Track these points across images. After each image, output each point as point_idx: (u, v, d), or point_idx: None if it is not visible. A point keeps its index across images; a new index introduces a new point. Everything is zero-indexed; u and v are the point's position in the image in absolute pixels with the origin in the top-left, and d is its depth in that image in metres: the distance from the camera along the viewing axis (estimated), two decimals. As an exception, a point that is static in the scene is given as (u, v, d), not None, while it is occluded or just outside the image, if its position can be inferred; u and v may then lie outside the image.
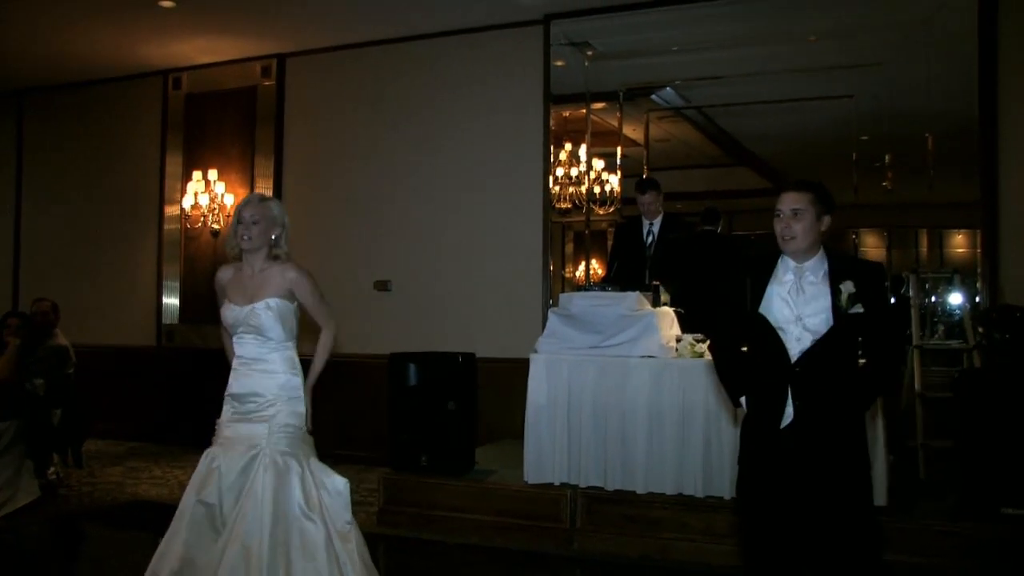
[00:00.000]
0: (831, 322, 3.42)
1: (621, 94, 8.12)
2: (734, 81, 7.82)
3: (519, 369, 6.19)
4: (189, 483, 3.91)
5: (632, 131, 8.19)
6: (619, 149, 8.13)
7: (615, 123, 8.16)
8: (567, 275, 8.39)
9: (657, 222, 6.97)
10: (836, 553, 3.44)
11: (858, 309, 3.39)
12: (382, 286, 8.68)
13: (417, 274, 8.59)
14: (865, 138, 7.27)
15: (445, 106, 8.61)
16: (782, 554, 3.50)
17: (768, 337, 3.49)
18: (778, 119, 7.94)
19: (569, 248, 8.42)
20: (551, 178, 8.14)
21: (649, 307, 6.05)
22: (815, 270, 3.48)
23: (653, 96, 8.14)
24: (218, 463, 3.86)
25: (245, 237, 3.96)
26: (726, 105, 8.04)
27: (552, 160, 8.15)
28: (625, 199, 7.94)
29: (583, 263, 8.36)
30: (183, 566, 3.72)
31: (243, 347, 3.99)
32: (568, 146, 8.23)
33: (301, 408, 3.98)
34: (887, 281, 3.58)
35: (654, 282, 6.41)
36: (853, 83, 7.26)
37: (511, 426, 6.63)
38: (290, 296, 3.98)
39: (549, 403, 5.93)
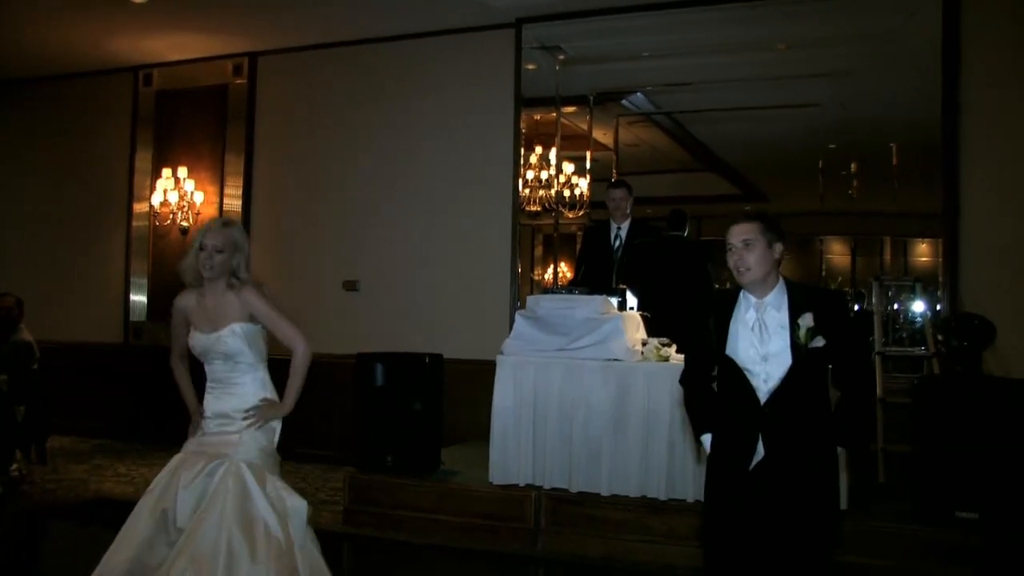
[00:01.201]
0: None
1: (591, 98, 8.16)
2: (703, 88, 7.91)
3: (486, 370, 6.21)
4: (150, 485, 3.91)
5: (602, 135, 8.21)
6: (589, 153, 8.17)
7: (585, 127, 8.20)
8: (535, 277, 8.39)
9: (625, 226, 7.02)
10: None
11: (819, 343, 3.39)
12: (351, 286, 8.68)
13: (386, 274, 8.59)
14: (832, 146, 7.35)
15: (416, 107, 8.62)
16: None
17: (736, 378, 3.51)
18: (747, 126, 8.01)
19: (538, 251, 8.44)
20: (521, 181, 8.15)
21: (615, 311, 6.07)
22: (777, 305, 3.49)
23: (623, 101, 8.20)
24: (181, 469, 3.87)
25: (207, 266, 3.91)
26: (695, 111, 8.15)
27: (522, 163, 8.16)
28: (594, 203, 7.97)
29: (551, 266, 8.37)
30: (132, 567, 3.69)
31: (214, 370, 3.98)
32: (538, 149, 8.25)
33: (275, 424, 3.99)
34: (849, 306, 3.52)
35: (621, 286, 6.43)
36: (821, 92, 7.34)
37: (477, 427, 6.61)
38: (252, 319, 3.96)
39: (515, 405, 5.93)
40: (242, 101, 9.29)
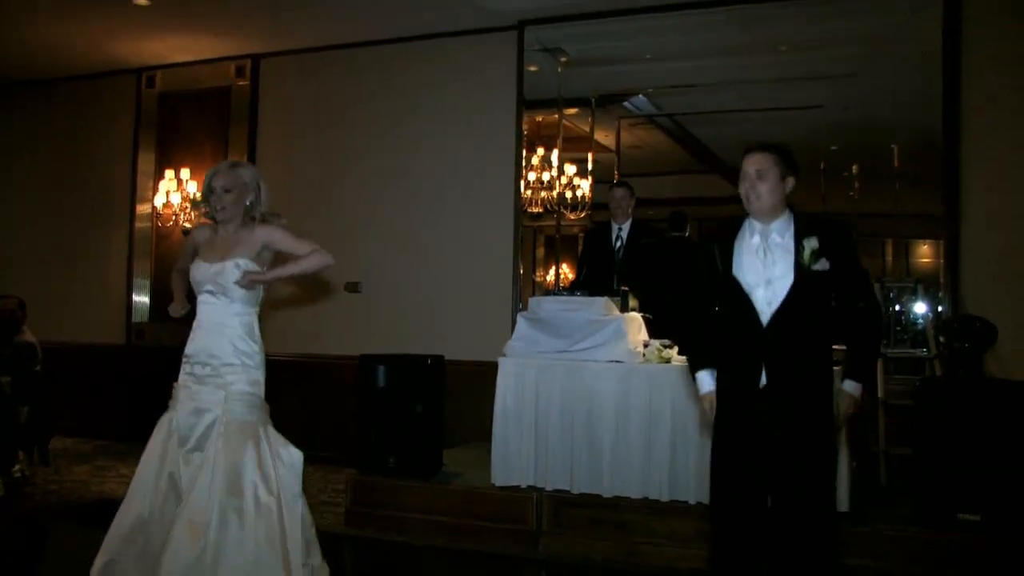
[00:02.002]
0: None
1: (593, 100, 8.15)
2: (705, 90, 7.89)
3: (488, 372, 6.20)
4: (149, 446, 3.93)
5: (604, 137, 8.21)
6: (591, 155, 8.16)
7: (587, 129, 8.19)
8: (537, 279, 8.38)
9: (626, 227, 7.00)
10: (797, 540, 3.50)
11: (823, 265, 3.44)
12: (353, 287, 8.65)
13: (388, 276, 8.57)
14: (834, 148, 7.33)
15: (419, 109, 8.61)
16: (748, 537, 3.56)
17: (740, 300, 3.56)
18: (749, 127, 7.96)
19: (540, 252, 8.43)
20: (523, 182, 8.14)
21: (617, 312, 6.07)
22: (781, 231, 3.56)
23: (625, 103, 8.19)
24: (176, 423, 3.87)
25: (218, 207, 3.95)
26: (697, 113, 8.13)
27: (524, 164, 8.15)
28: (596, 204, 7.98)
29: (553, 267, 8.38)
30: (137, 524, 3.74)
31: (204, 309, 3.97)
32: (540, 151, 8.25)
33: (259, 376, 3.96)
34: (853, 238, 3.59)
35: (622, 287, 6.41)
36: (822, 94, 7.34)
37: (479, 429, 6.54)
38: (261, 257, 3.96)
39: (517, 406, 5.93)
40: (245, 103, 9.28)
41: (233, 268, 3.89)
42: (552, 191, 8.19)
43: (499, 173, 8.21)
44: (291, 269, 4.00)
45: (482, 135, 8.33)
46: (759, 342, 3.52)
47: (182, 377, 3.97)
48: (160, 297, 9.53)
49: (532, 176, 8.21)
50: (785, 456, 3.50)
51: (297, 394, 7.92)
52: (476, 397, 6.73)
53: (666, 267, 6.88)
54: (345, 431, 7.49)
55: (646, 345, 5.94)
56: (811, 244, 3.45)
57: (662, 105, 8.19)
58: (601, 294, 6.13)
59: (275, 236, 3.98)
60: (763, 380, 3.51)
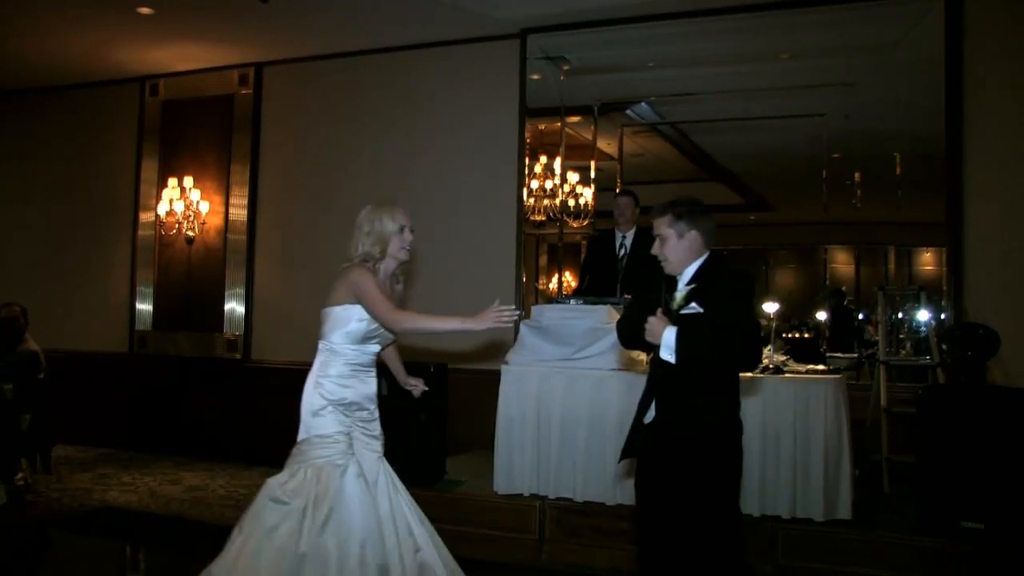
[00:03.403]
0: None
1: (596, 108, 8.15)
2: (708, 98, 7.88)
3: (490, 380, 6.20)
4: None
5: (606, 145, 8.22)
6: (593, 163, 8.16)
7: (590, 137, 8.19)
8: (540, 287, 8.37)
9: (630, 235, 6.98)
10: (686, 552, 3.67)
11: (693, 308, 3.61)
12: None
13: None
14: (836, 156, 7.35)
15: (422, 118, 8.60)
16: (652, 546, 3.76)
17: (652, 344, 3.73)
18: (751, 136, 8.01)
19: (543, 260, 8.42)
20: (525, 190, 8.13)
21: None
22: (684, 280, 3.73)
23: (628, 111, 8.20)
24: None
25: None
26: (700, 121, 8.12)
27: (527, 173, 8.15)
28: (599, 212, 8.00)
29: (556, 275, 8.37)
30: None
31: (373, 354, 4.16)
32: (543, 159, 8.25)
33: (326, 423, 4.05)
34: (744, 286, 3.69)
35: (625, 295, 6.40)
36: (825, 102, 7.38)
37: (482, 437, 6.60)
38: (355, 300, 4.01)
39: (519, 414, 5.94)
40: (248, 111, 9.29)
41: (325, 315, 4.08)
42: (555, 199, 8.21)
43: (502, 181, 8.19)
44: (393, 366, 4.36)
45: (484, 143, 8.31)
46: (649, 378, 3.83)
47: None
48: (162, 306, 9.54)
49: (535, 184, 8.21)
50: (664, 488, 3.71)
51: (296, 402, 7.77)
52: (479, 405, 6.69)
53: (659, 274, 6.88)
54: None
55: (649, 353, 5.89)
56: (681, 293, 3.64)
57: (665, 113, 8.20)
58: (604, 302, 6.13)
59: (358, 285, 4.02)
60: (652, 415, 3.75)
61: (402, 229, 4.07)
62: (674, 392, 3.66)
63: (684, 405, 3.64)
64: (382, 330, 4.01)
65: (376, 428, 4.13)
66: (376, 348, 4.10)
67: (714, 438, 3.64)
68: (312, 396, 4.02)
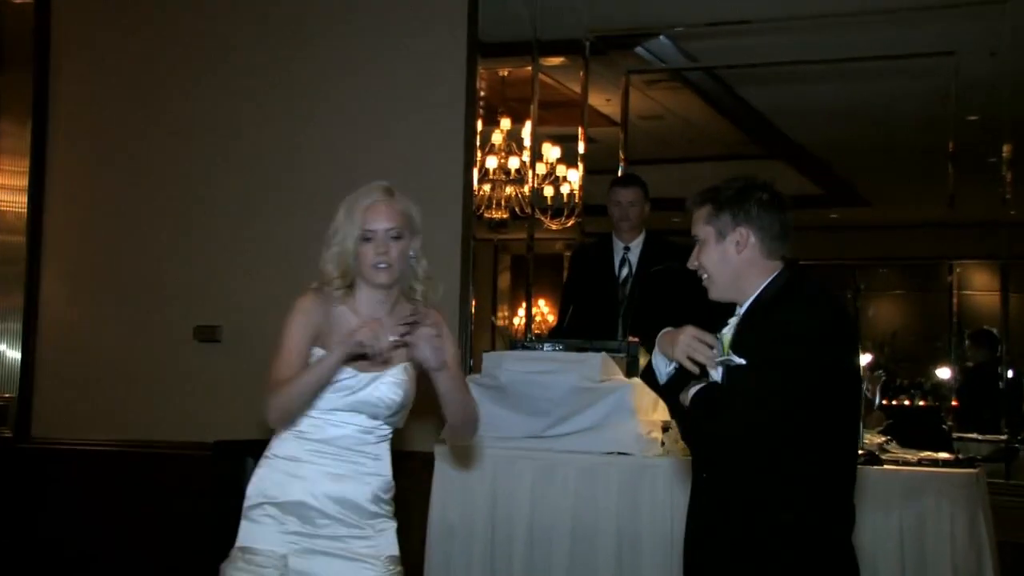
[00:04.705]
0: None
1: (588, 44, 7.71)
2: (766, 29, 7.45)
3: (416, 467, 5.70)
4: None
5: (604, 102, 8.02)
6: (582, 131, 7.82)
7: (577, 89, 7.83)
8: (499, 321, 8.35)
9: (636, 245, 6.69)
10: None
11: (731, 360, 3.49)
12: (207, 334, 8.03)
13: (258, 316, 7.62)
14: (972, 119, 7.25)
15: (316, 54, 7.96)
16: None
17: None
18: (834, 89, 7.86)
19: (504, 280, 8.43)
20: (476, 172, 7.59)
21: (622, 376, 5.75)
22: (743, 309, 3.58)
23: (638, 48, 7.93)
24: None
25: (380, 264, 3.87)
26: (752, 66, 7.85)
27: (479, 145, 7.66)
28: (590, 207, 7.79)
29: (523, 305, 8.18)
30: None
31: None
32: (505, 123, 8.11)
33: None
34: (805, 324, 3.41)
35: (630, 337, 6.17)
36: (954, 34, 7.13)
37: (403, 556, 5.96)
38: None
39: (464, 524, 5.65)
40: (25, 28, 8.52)
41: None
42: (522, 186, 8.02)
43: (439, 157, 7.58)
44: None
45: (413, 97, 7.71)
46: None
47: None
48: None
49: (491, 163, 8.04)
50: None
51: (124, 506, 7.62)
52: (399, 506, 6.19)
53: (696, 306, 6.43)
54: (196, 554, 6.77)
55: (666, 427, 5.52)
56: (729, 329, 3.50)
57: (696, 52, 7.89)
58: (597, 348, 5.87)
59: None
60: None
61: (366, 235, 3.84)
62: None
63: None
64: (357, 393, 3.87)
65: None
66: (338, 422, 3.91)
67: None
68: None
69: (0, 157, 8.63)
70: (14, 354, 8.58)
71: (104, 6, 8.67)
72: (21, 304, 8.53)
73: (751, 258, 3.44)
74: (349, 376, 3.79)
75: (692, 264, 3.59)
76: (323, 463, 3.84)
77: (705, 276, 3.54)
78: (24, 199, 8.59)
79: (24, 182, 8.56)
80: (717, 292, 3.54)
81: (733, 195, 3.48)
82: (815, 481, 3.33)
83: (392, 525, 3.95)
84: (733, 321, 3.51)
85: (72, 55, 8.60)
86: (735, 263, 3.46)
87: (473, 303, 7.52)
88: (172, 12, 8.48)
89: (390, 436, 3.98)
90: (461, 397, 3.90)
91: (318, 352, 3.77)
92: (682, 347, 3.46)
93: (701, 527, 3.56)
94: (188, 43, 8.40)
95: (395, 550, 3.91)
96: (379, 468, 3.91)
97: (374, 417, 3.87)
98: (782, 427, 3.24)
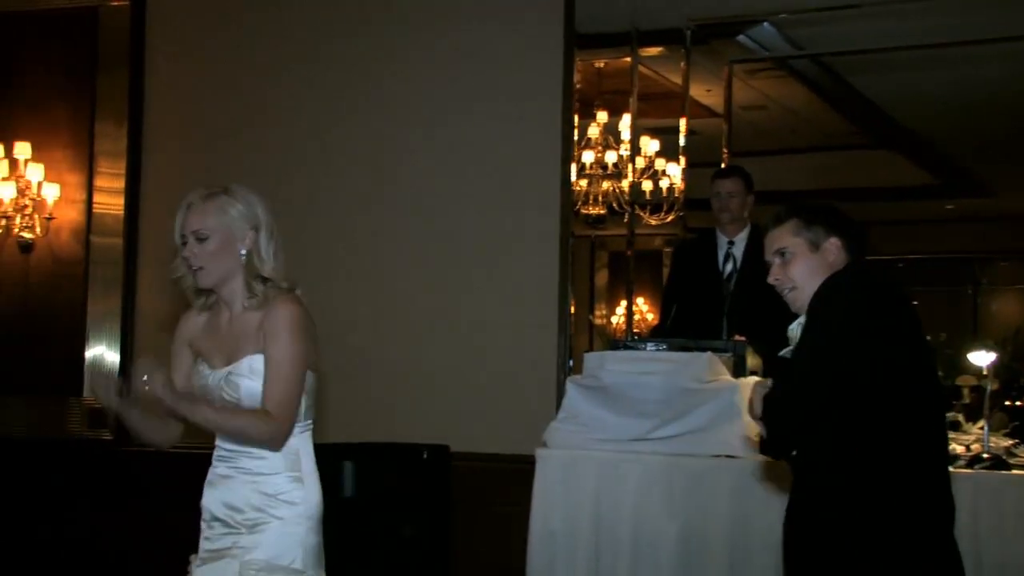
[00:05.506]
0: None
1: (689, 33, 7.70)
2: (873, 13, 7.33)
3: (519, 472, 6.03)
4: None
5: (706, 93, 7.91)
6: (683, 122, 7.75)
7: (678, 81, 7.79)
8: (598, 320, 8.17)
9: (740, 240, 6.78)
10: None
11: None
12: None
13: (358, 321, 7.94)
14: None
15: (412, 48, 8.04)
16: None
17: None
18: (952, 75, 7.73)
19: (602, 278, 8.24)
20: (574, 167, 7.66)
21: (728, 376, 5.84)
22: None
23: (741, 37, 7.82)
24: None
25: (194, 266, 3.91)
26: (861, 52, 7.73)
27: (577, 139, 7.70)
28: (692, 201, 7.70)
29: (623, 303, 8.06)
30: None
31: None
32: (602, 116, 7.87)
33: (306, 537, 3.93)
34: (836, 311, 3.64)
35: (736, 337, 6.30)
36: None
37: (504, 563, 6.26)
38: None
39: (567, 528, 5.70)
40: (123, 33, 8.57)
41: (248, 373, 3.84)
42: (620, 181, 7.83)
43: (535, 153, 7.62)
44: (217, 416, 3.83)
45: (510, 92, 7.73)
46: None
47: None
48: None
49: (588, 157, 7.83)
50: None
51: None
52: (500, 512, 6.67)
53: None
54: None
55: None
56: (796, 325, 3.73)
57: (802, 39, 7.80)
58: (703, 347, 5.94)
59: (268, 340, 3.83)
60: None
61: (182, 240, 3.94)
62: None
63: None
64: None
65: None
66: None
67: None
68: None
69: (98, 160, 8.64)
70: (114, 356, 8.60)
71: (198, 6, 8.72)
72: (119, 306, 8.61)
73: (837, 263, 3.61)
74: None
75: (774, 279, 3.71)
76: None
77: (791, 289, 3.65)
78: (121, 202, 8.65)
79: (121, 184, 8.62)
80: (804, 302, 3.61)
81: (818, 207, 3.71)
82: (881, 474, 3.39)
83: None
84: (802, 318, 3.64)
85: (167, 56, 8.69)
86: (825, 272, 3.57)
87: (572, 302, 7.58)
88: (263, 8, 8.53)
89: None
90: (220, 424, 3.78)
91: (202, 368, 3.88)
92: (748, 405, 3.70)
93: (789, 529, 3.64)
94: (280, 39, 8.46)
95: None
96: (264, 467, 3.93)
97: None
98: (827, 416, 3.35)
